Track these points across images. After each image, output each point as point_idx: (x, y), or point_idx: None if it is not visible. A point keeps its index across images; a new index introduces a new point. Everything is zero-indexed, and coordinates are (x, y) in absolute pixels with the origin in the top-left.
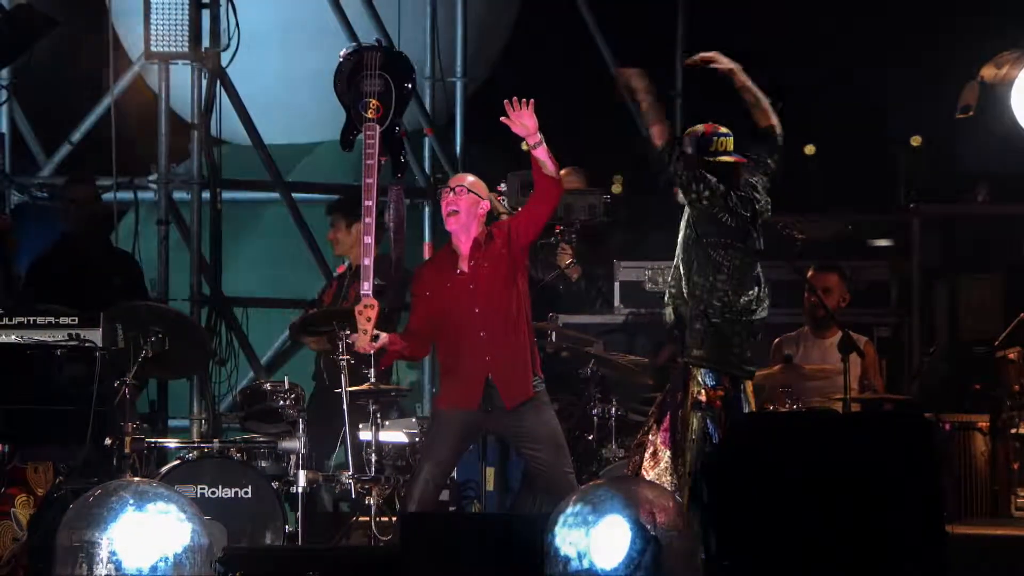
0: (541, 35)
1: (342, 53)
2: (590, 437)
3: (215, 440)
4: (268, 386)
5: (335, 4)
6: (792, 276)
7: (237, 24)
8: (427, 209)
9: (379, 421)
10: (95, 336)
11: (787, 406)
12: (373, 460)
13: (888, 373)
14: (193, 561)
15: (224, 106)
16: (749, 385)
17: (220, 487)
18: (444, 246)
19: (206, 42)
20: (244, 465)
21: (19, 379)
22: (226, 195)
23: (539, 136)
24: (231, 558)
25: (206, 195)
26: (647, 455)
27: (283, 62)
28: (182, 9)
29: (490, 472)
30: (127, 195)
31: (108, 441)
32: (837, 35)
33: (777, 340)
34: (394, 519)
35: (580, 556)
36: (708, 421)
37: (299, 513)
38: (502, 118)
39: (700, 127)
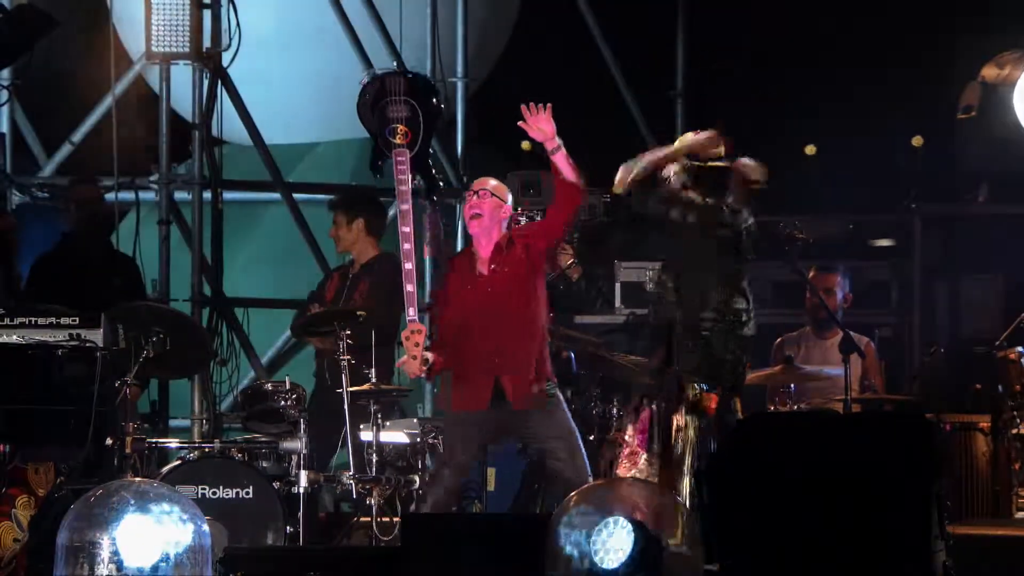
0: (541, 35)
1: (362, 81)
2: (591, 437)
3: (216, 440)
4: (269, 386)
5: (336, 4)
6: (793, 276)
7: (238, 24)
8: (428, 210)
9: (380, 421)
10: (96, 336)
11: (787, 406)
12: (374, 460)
13: (889, 373)
14: (194, 561)
15: (225, 106)
16: (738, 402)
17: (221, 487)
18: (464, 249)
19: (207, 42)
20: (245, 465)
21: (20, 379)
22: (227, 195)
23: (557, 141)
24: (232, 558)
25: (207, 195)
26: (623, 454)
27: (284, 62)
28: (183, 9)
29: (491, 472)
30: (128, 195)
31: (109, 441)
32: (837, 35)
33: (779, 340)
34: (395, 519)
35: (581, 556)
36: (703, 423)
37: (300, 513)
38: (519, 123)
39: (692, 134)
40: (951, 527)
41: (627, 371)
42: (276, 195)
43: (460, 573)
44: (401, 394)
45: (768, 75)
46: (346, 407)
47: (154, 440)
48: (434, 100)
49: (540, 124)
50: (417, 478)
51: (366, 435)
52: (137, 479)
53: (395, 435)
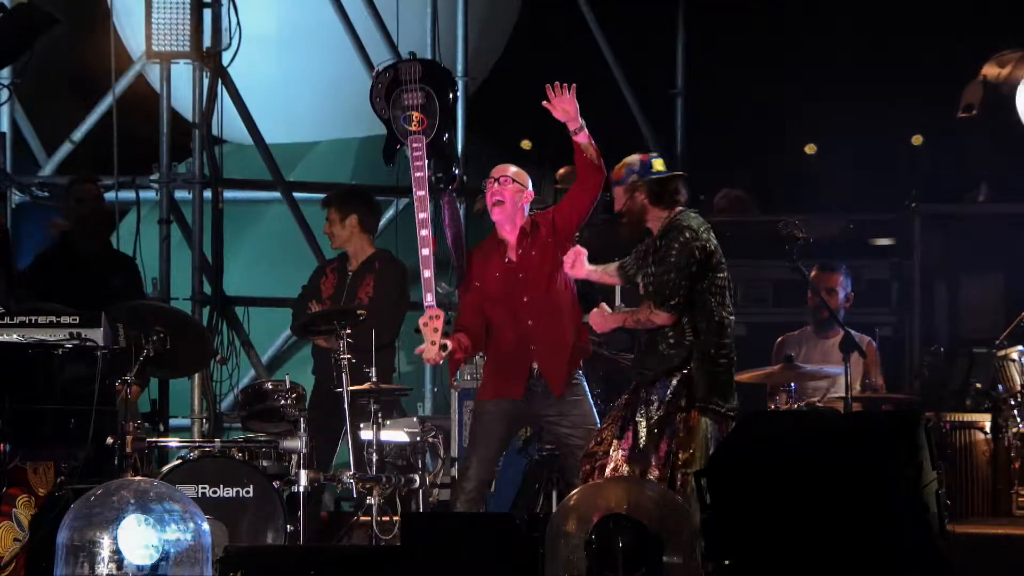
0: (542, 34)
1: (376, 70)
2: None
3: (216, 439)
4: (269, 385)
5: (336, 3)
6: (793, 275)
7: (238, 23)
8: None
9: (380, 420)
10: (96, 335)
11: (788, 405)
12: (374, 459)
13: (889, 372)
14: (194, 560)
15: (225, 105)
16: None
17: (221, 486)
18: (489, 236)
19: (207, 41)
20: (245, 464)
21: (20, 378)
22: (227, 194)
23: (580, 121)
24: (232, 557)
25: (207, 194)
26: (608, 470)
27: (284, 61)
28: (183, 8)
29: None
30: (128, 194)
31: (109, 441)
32: (837, 33)
33: (780, 339)
34: (395, 518)
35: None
36: (713, 425)
37: (300, 512)
38: (543, 103)
39: (636, 157)
40: (951, 526)
41: (629, 370)
42: (276, 194)
43: (460, 572)
44: (401, 393)
45: (768, 74)
46: (346, 406)
47: (154, 439)
48: (450, 87)
49: (564, 104)
50: (417, 477)
51: (366, 434)
52: (137, 478)
53: (395, 434)
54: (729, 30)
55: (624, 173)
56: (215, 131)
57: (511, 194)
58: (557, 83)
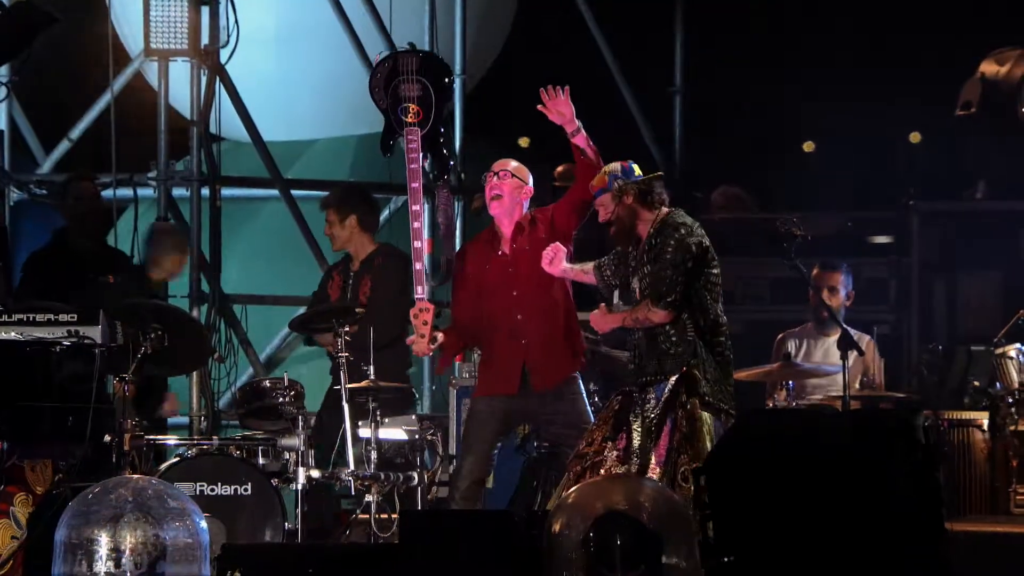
0: (539, 32)
1: (376, 59)
2: None
3: (214, 437)
4: (267, 383)
5: (334, 1)
6: (791, 273)
7: (236, 21)
8: (426, 206)
9: (378, 418)
10: (94, 333)
11: (787, 403)
12: (373, 457)
13: (887, 370)
14: (192, 558)
15: (223, 103)
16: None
17: (219, 484)
18: (486, 229)
19: (205, 39)
20: (243, 462)
21: (18, 376)
22: (225, 192)
23: (577, 123)
24: (230, 555)
25: (205, 192)
26: (602, 471)
27: (282, 59)
28: (181, 6)
29: None
30: (126, 192)
31: (107, 438)
32: (835, 31)
33: (780, 335)
34: (394, 516)
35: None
36: (716, 420)
37: (298, 510)
38: (538, 106)
39: (616, 164)
40: (949, 524)
41: (625, 366)
42: (274, 192)
43: (458, 570)
44: (399, 391)
45: (767, 72)
46: (344, 403)
47: (152, 437)
48: (446, 79)
49: (559, 107)
50: (416, 475)
51: (364, 432)
52: (135, 476)
53: (394, 432)
54: (727, 28)
55: (608, 180)
56: (213, 129)
57: (510, 189)
58: (550, 86)
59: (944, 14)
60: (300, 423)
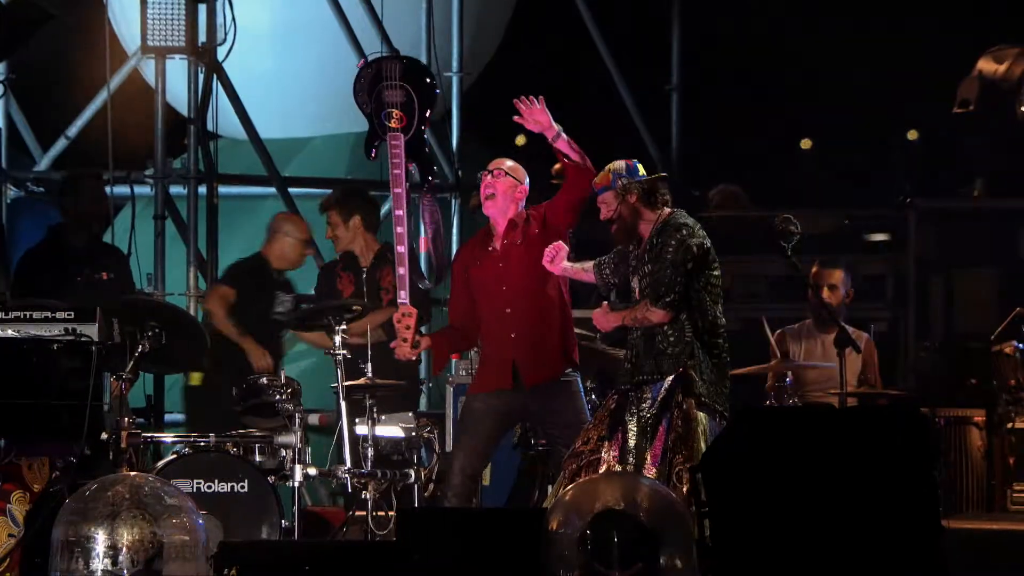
0: (537, 29)
1: (360, 64)
2: None
3: (211, 434)
4: (264, 381)
5: None
6: (788, 271)
7: (233, 18)
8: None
9: (375, 416)
10: (91, 331)
11: (784, 400)
12: (370, 455)
13: (884, 368)
14: (189, 556)
15: (220, 101)
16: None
17: (216, 482)
18: (482, 229)
19: (202, 36)
20: (240, 460)
21: (14, 374)
22: (222, 190)
23: (556, 128)
24: (226, 553)
25: (202, 190)
26: (600, 471)
27: (279, 57)
28: (179, 3)
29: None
30: (123, 190)
31: (104, 436)
32: (832, 29)
33: (779, 332)
34: (391, 514)
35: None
36: (711, 421)
37: (295, 508)
38: (515, 118)
39: (621, 162)
40: (946, 521)
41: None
42: (271, 189)
43: (456, 568)
44: (399, 389)
45: (764, 69)
46: (341, 401)
47: (149, 435)
48: (429, 84)
49: (535, 116)
50: (412, 472)
51: (361, 429)
52: (132, 473)
53: (390, 429)
54: (725, 25)
55: (611, 178)
56: (210, 126)
57: (504, 188)
58: (523, 96)
59: (943, 13)
60: (297, 420)
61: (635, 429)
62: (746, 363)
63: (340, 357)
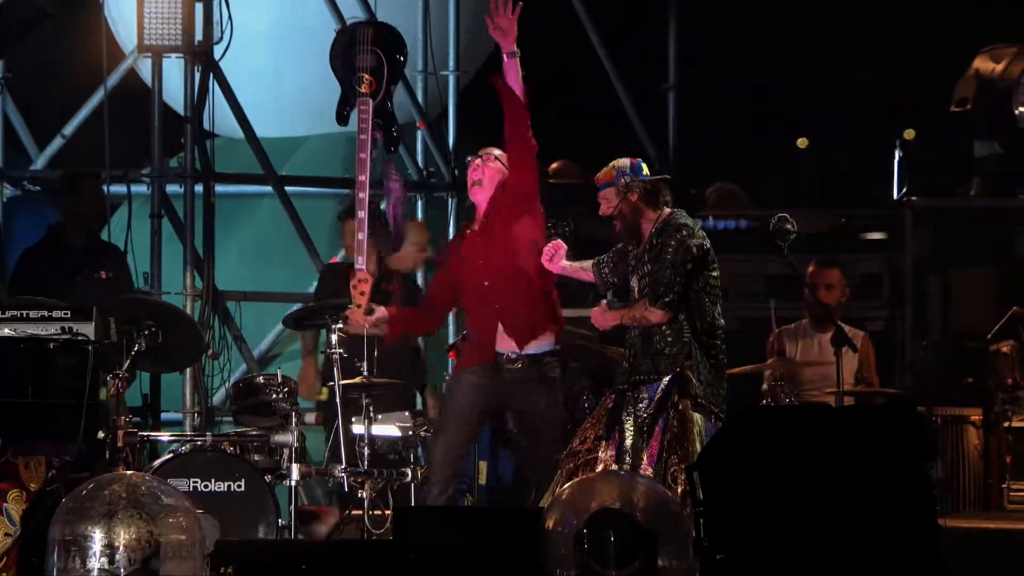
0: (534, 28)
1: (336, 29)
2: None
3: (208, 434)
4: (261, 379)
5: None
6: (785, 269)
7: (230, 17)
8: (420, 203)
9: (372, 415)
10: (88, 330)
11: (781, 399)
12: (366, 454)
13: (881, 367)
14: (186, 555)
15: (217, 99)
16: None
17: (213, 481)
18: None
19: (199, 35)
20: (237, 459)
21: (11, 373)
22: (219, 188)
23: (515, 48)
24: (223, 552)
25: (199, 188)
26: (597, 470)
27: (276, 56)
28: (175, 2)
29: (482, 466)
30: (120, 189)
31: (101, 435)
32: (831, 28)
33: (776, 331)
34: (387, 513)
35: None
36: (707, 421)
37: (292, 507)
38: (486, 17)
39: (626, 160)
40: (942, 520)
41: (618, 361)
42: (268, 188)
43: (452, 567)
44: (395, 387)
45: (760, 68)
46: (338, 400)
47: (146, 433)
48: (399, 56)
49: (503, 22)
50: (409, 471)
51: (358, 428)
52: (129, 472)
53: (387, 428)
54: (722, 24)
55: (615, 175)
56: (207, 125)
57: (491, 173)
58: (502, 0)
59: (941, 11)
60: (293, 419)
61: (632, 429)
62: (743, 362)
63: (336, 356)
